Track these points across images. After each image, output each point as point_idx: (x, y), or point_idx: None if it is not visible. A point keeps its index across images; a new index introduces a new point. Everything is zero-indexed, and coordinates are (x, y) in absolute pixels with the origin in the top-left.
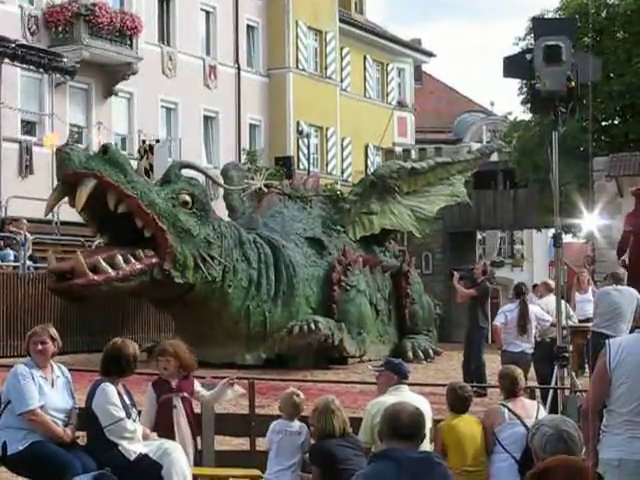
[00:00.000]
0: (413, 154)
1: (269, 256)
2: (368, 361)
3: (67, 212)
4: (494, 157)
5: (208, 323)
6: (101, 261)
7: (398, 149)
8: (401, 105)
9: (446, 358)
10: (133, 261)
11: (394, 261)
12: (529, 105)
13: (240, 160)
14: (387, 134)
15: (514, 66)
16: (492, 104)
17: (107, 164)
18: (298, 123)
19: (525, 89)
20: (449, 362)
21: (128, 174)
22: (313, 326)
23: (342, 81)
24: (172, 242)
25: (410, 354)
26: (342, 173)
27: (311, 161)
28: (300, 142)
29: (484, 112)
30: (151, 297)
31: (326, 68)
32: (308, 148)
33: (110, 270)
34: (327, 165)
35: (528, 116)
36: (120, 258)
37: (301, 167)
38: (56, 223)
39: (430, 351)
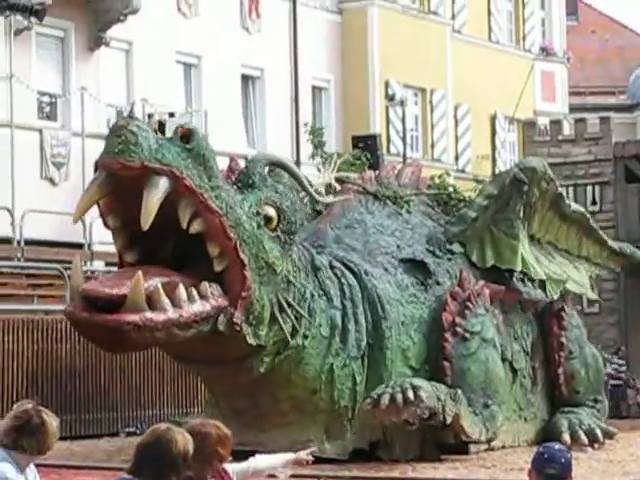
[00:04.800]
0: (566, 128)
1: (355, 288)
2: (501, 448)
3: (35, 226)
4: None
5: (270, 394)
6: (161, 291)
7: (543, 120)
8: (547, 53)
9: (623, 443)
10: (198, 299)
11: (540, 293)
12: None
13: (298, 142)
14: (526, 98)
15: None
16: None
17: (189, 158)
18: (387, 83)
19: None
20: (628, 449)
21: (214, 177)
22: (412, 395)
23: (454, 18)
24: (250, 282)
25: (567, 437)
26: (457, 159)
27: (408, 142)
28: (391, 113)
29: None
30: (193, 355)
31: None
32: (404, 122)
33: (169, 307)
34: (433, 147)
35: None
36: (183, 291)
37: (392, 151)
38: (19, 243)
39: (598, 432)
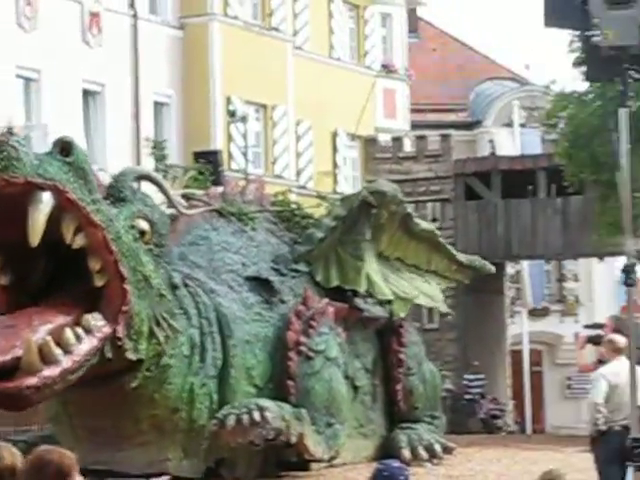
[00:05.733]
0: (407, 145)
1: (209, 307)
2: (342, 465)
3: None
4: (535, 148)
5: (132, 413)
6: (51, 343)
7: (384, 137)
8: (388, 70)
9: (461, 458)
10: (85, 336)
11: (380, 310)
12: (583, 69)
13: (139, 157)
14: (367, 115)
15: (560, 10)
16: (527, 68)
17: (70, 172)
18: (229, 100)
19: (577, 45)
20: (466, 464)
21: (94, 190)
22: (258, 416)
23: (296, 35)
24: (130, 296)
25: (406, 453)
26: (298, 175)
27: (250, 158)
28: (233, 129)
29: (515, 80)
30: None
31: (271, 15)
32: (245, 138)
33: (62, 357)
34: (274, 164)
35: (583, 86)
36: (70, 334)
37: (234, 167)
38: None
39: (437, 447)
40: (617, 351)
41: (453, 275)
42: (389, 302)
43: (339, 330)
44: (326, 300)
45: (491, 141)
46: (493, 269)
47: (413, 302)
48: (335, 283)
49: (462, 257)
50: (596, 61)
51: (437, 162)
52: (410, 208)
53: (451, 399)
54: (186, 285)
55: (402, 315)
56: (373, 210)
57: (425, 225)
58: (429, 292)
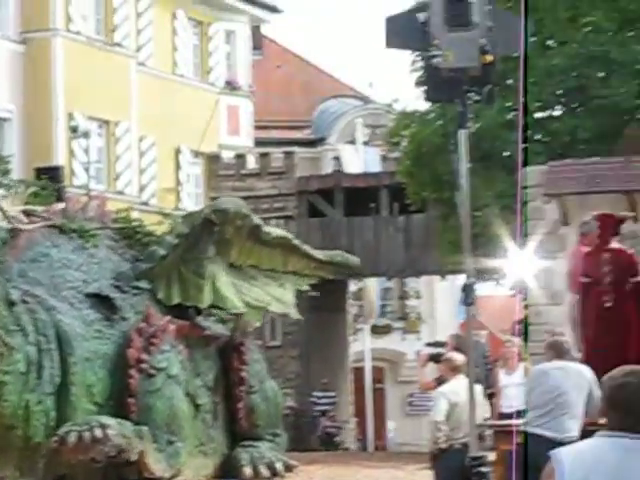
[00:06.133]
0: (251, 162)
1: (48, 324)
2: None
3: None
4: (375, 166)
5: None
6: None
7: (228, 154)
8: (232, 87)
9: (303, 476)
10: None
11: (222, 328)
12: (425, 89)
13: None
14: (211, 131)
15: (401, 31)
16: (371, 86)
17: None
18: (71, 115)
19: (420, 65)
20: None
21: None
22: (100, 433)
23: (139, 50)
24: None
25: (248, 471)
26: (141, 192)
27: (92, 174)
28: (75, 144)
29: (359, 98)
30: None
31: (113, 30)
32: (88, 154)
33: None
34: (117, 180)
35: (425, 105)
36: None
37: (76, 183)
38: None
39: (278, 465)
40: (455, 369)
41: (314, 272)
42: (237, 316)
43: (180, 348)
44: (168, 318)
45: (335, 158)
46: (357, 261)
47: (266, 309)
48: (177, 300)
49: (321, 255)
50: (436, 82)
51: (280, 179)
52: (258, 219)
53: (293, 416)
54: (25, 302)
55: (258, 324)
56: (216, 228)
57: (278, 232)
58: (282, 298)
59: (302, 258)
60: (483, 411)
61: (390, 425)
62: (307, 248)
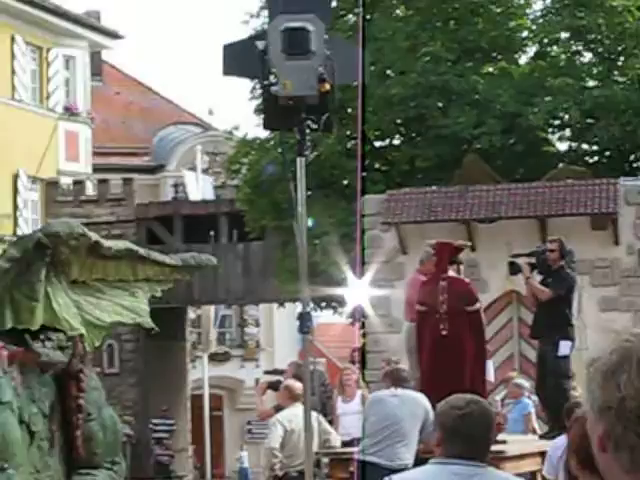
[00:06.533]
0: (90, 188)
1: None
2: None
3: None
4: (210, 194)
5: None
6: None
7: (66, 180)
8: (71, 113)
9: None
10: None
11: (59, 355)
12: (263, 117)
13: None
14: (49, 157)
15: (240, 58)
16: (211, 113)
17: None
18: None
19: (259, 92)
20: None
21: None
22: None
23: None
24: None
25: None
26: None
27: None
28: None
29: (199, 125)
30: None
31: None
32: None
33: None
34: None
35: (265, 133)
36: None
37: None
38: None
39: None
40: (294, 397)
41: (169, 276)
42: (75, 342)
43: (14, 374)
44: (0, 343)
45: (175, 185)
46: (213, 260)
47: (109, 328)
48: (9, 325)
49: (174, 260)
50: (274, 110)
51: (119, 206)
52: (97, 235)
53: (131, 444)
54: None
55: (97, 344)
56: (48, 251)
57: (120, 245)
58: (134, 308)
59: (154, 264)
60: (324, 439)
61: (242, 453)
62: (157, 255)
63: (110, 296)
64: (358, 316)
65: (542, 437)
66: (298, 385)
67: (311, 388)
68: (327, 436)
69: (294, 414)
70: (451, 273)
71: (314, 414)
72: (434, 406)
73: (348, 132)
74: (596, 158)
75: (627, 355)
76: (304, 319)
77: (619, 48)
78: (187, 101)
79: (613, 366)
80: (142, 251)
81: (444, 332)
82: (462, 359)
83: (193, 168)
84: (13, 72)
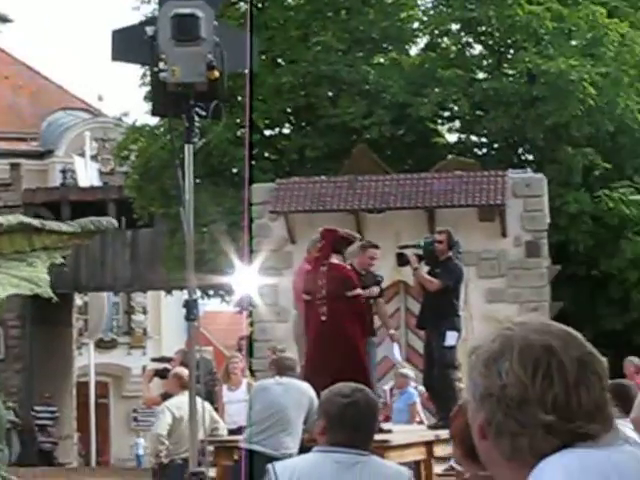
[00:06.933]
0: None
1: None
2: None
3: None
4: (96, 180)
5: None
6: None
7: None
8: None
9: None
10: None
11: None
12: (152, 103)
13: None
14: None
15: (129, 44)
16: (100, 99)
17: None
18: None
19: (149, 79)
20: None
21: None
22: None
23: None
24: None
25: None
26: None
27: None
28: None
29: (88, 111)
30: None
31: None
32: None
33: None
34: None
35: (155, 119)
36: None
37: None
38: None
39: None
40: (182, 385)
41: (68, 243)
42: None
43: None
44: None
45: (63, 171)
46: (115, 222)
47: (2, 304)
48: None
49: (72, 227)
50: (163, 96)
51: (6, 191)
52: None
53: (15, 431)
54: None
55: None
56: None
57: (12, 219)
58: (32, 278)
59: (50, 233)
60: (212, 427)
61: (138, 440)
62: (52, 224)
63: (5, 268)
64: (245, 305)
65: (430, 428)
66: (187, 373)
67: (197, 376)
68: (215, 424)
69: (182, 402)
70: (333, 260)
71: (201, 402)
72: (318, 393)
73: (238, 120)
74: (485, 150)
75: (508, 343)
76: (190, 307)
77: (509, 41)
78: (77, 86)
79: (494, 354)
80: (36, 222)
81: (323, 317)
82: (343, 345)
83: (82, 154)
84: None
